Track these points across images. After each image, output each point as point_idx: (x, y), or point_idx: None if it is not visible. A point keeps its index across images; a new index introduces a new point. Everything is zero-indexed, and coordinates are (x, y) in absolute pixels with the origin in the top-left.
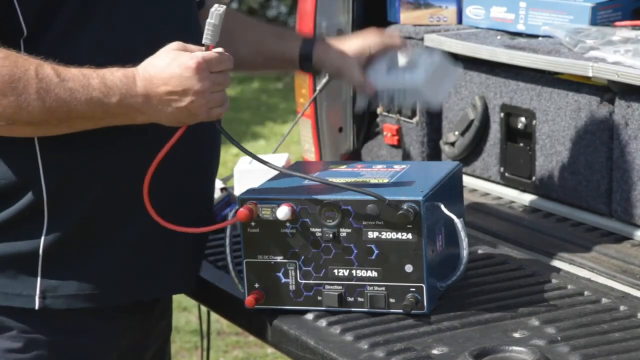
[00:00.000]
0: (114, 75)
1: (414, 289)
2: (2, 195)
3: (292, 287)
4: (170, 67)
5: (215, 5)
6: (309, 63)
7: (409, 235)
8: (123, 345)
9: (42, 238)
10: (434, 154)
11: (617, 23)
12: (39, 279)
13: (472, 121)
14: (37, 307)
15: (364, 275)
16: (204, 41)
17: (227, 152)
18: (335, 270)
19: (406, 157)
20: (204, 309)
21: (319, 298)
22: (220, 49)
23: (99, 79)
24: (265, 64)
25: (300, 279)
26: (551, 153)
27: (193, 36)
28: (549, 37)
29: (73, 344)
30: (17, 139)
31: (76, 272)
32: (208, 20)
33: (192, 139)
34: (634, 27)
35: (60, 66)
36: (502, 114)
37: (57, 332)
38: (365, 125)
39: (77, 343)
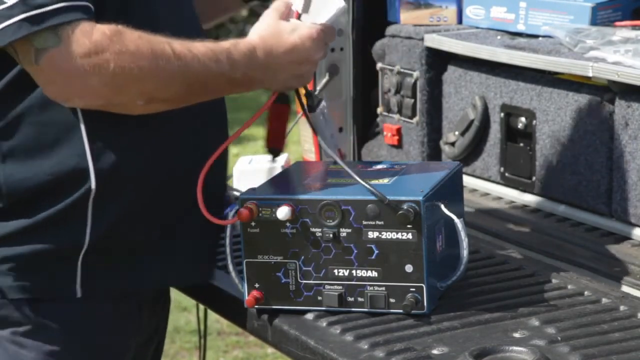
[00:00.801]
0: (237, 49)
1: (414, 289)
2: (50, 191)
3: (292, 287)
4: (291, 37)
5: None
6: None
7: (409, 235)
8: (139, 341)
9: (87, 234)
10: (434, 154)
11: (617, 23)
12: (79, 271)
13: (472, 121)
14: (79, 295)
15: (364, 275)
16: (298, 9)
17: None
18: (336, 270)
19: (406, 157)
20: (201, 307)
21: (319, 298)
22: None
23: (225, 54)
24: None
25: (301, 279)
26: (551, 153)
27: (198, 35)
28: (549, 37)
29: (104, 337)
30: (66, 134)
31: (116, 264)
32: None
33: (201, 130)
34: (634, 27)
35: (187, 42)
36: (502, 114)
37: (92, 325)
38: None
39: (108, 337)
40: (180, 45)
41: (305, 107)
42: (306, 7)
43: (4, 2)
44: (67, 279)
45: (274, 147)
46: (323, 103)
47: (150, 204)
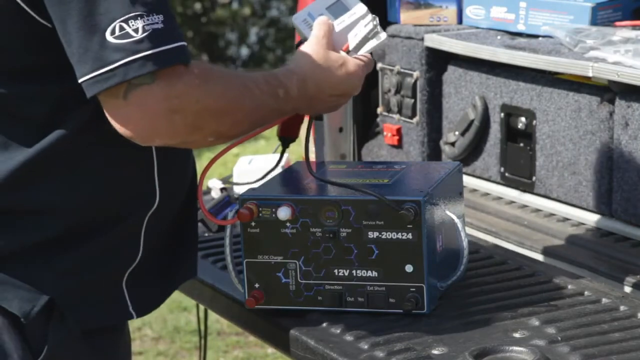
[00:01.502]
0: (292, 83)
1: (414, 289)
2: (113, 217)
3: (292, 287)
4: (339, 72)
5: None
6: None
7: (409, 235)
8: None
9: (137, 259)
10: (434, 154)
11: (617, 23)
12: (126, 293)
13: (472, 121)
14: (135, 317)
15: (364, 275)
16: (351, 46)
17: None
18: (336, 270)
19: (406, 157)
20: (201, 308)
21: (319, 298)
22: (368, 54)
23: (283, 89)
24: None
25: (301, 279)
26: (551, 153)
27: None
28: (549, 37)
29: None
30: (137, 162)
31: (158, 280)
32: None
33: None
34: (634, 27)
35: (249, 74)
36: (502, 114)
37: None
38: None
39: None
40: (250, 81)
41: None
42: (358, 47)
43: (133, 36)
44: (119, 303)
45: (287, 135)
46: None
47: (181, 220)
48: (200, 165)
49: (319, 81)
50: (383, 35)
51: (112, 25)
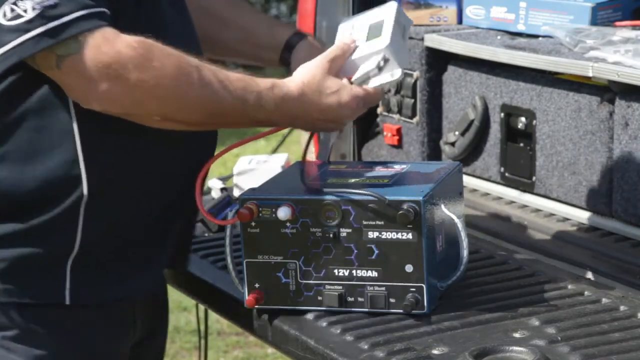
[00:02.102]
0: (272, 93)
1: (414, 289)
2: (42, 196)
3: (292, 287)
4: (330, 98)
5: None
6: (288, 54)
7: (409, 235)
8: (133, 340)
9: (77, 240)
10: (434, 154)
11: (617, 23)
12: (68, 277)
13: (472, 121)
14: (67, 302)
15: (364, 275)
16: (354, 77)
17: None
18: (336, 270)
19: (406, 157)
20: (201, 308)
21: (319, 298)
22: (374, 88)
23: (256, 95)
24: (251, 53)
25: (301, 279)
26: (551, 153)
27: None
28: (549, 37)
29: (95, 341)
30: (60, 141)
31: (106, 271)
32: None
33: (192, 140)
34: (634, 27)
35: (222, 71)
36: (502, 114)
37: (82, 330)
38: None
39: (98, 341)
40: (210, 73)
41: None
42: (361, 80)
43: (23, 16)
44: (57, 285)
45: None
46: None
47: (141, 212)
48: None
49: (305, 103)
50: (397, 73)
51: (3, 9)
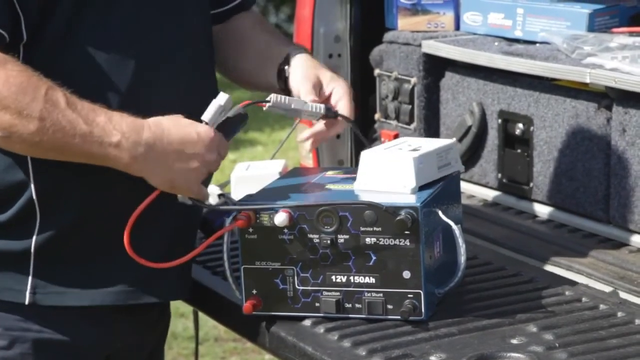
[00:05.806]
0: (123, 118)
1: (411, 296)
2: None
3: (289, 294)
4: (187, 128)
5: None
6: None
7: (407, 242)
8: (116, 346)
9: (34, 238)
10: None
11: (615, 30)
12: (30, 276)
13: (469, 127)
14: (27, 302)
15: (361, 281)
16: (205, 118)
17: (225, 158)
18: (333, 277)
19: None
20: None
21: (317, 304)
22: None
23: (105, 116)
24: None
25: (298, 285)
26: (549, 159)
27: (201, 51)
28: (547, 43)
29: (60, 342)
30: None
31: (67, 271)
32: (216, 101)
33: None
34: (631, 34)
35: (73, 96)
36: (499, 120)
37: (45, 331)
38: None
39: (63, 342)
40: (61, 94)
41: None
42: (213, 119)
43: None
44: (19, 285)
45: None
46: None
47: (95, 221)
48: None
49: (161, 129)
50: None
51: None
